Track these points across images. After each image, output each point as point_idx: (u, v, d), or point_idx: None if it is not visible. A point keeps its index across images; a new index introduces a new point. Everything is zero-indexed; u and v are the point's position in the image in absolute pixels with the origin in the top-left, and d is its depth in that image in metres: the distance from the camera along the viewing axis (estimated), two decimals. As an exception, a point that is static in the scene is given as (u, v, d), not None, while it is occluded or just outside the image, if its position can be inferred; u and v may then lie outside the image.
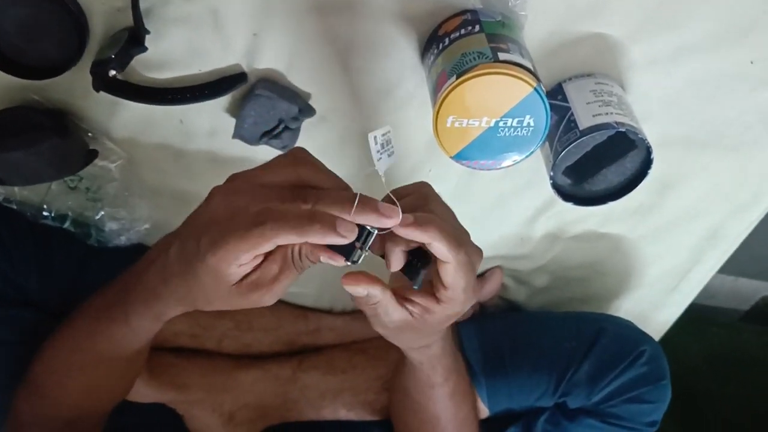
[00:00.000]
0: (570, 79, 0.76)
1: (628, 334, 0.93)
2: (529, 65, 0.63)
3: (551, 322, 0.99)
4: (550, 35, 0.72)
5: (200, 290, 0.53)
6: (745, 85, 0.78)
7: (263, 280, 0.53)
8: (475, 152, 0.66)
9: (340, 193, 0.53)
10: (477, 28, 0.66)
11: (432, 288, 0.58)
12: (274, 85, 0.74)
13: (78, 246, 0.86)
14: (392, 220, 0.51)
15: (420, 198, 0.58)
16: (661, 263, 1.01)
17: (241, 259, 0.49)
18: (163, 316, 0.60)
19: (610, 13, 0.71)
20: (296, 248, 0.53)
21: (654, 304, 1.07)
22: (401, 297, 0.59)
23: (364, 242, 0.52)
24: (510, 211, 0.91)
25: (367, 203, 0.51)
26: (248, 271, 0.52)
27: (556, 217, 0.93)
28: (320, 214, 0.49)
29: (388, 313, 0.58)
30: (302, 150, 0.56)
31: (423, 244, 0.54)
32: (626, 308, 1.07)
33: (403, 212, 0.52)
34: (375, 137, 0.53)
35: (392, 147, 0.57)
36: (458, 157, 0.67)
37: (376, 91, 0.77)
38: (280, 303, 1.01)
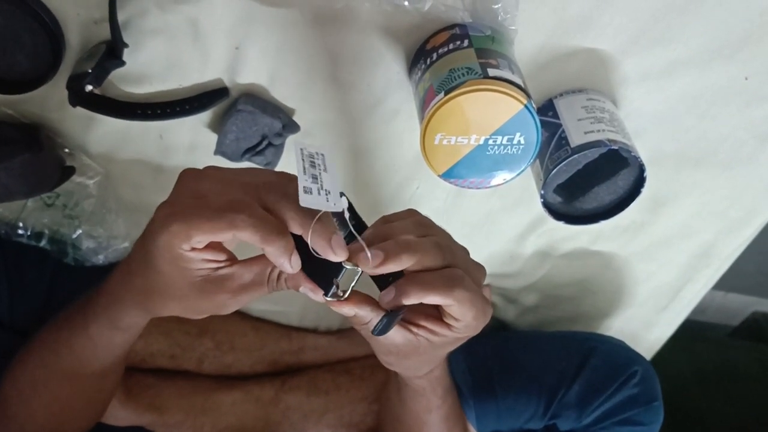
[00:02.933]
0: (561, 94, 0.74)
1: (620, 354, 0.91)
2: (519, 81, 0.61)
3: (541, 342, 0.97)
4: (541, 50, 0.71)
5: (156, 281, 0.51)
6: (738, 101, 0.76)
7: (232, 283, 0.51)
8: (464, 170, 0.65)
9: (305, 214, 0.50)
10: (466, 42, 0.64)
11: (439, 312, 0.55)
12: (256, 100, 0.72)
13: (50, 264, 0.83)
14: (335, 256, 0.49)
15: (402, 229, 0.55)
16: (653, 281, 0.99)
17: (194, 239, 0.47)
18: (120, 322, 0.58)
19: (602, 28, 0.69)
20: (274, 268, 0.51)
21: (645, 323, 1.06)
22: (406, 321, 0.56)
23: (338, 278, 0.51)
24: (499, 228, 0.90)
25: (322, 230, 0.49)
26: (203, 265, 0.50)
27: (547, 235, 0.91)
28: (287, 233, 0.48)
29: (388, 335, 0.55)
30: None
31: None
32: (617, 327, 1.06)
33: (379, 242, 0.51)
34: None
35: (317, 153, 0.53)
36: (447, 176, 0.65)
37: (362, 105, 0.75)
38: (263, 322, 0.99)
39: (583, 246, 0.94)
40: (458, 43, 0.64)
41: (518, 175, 0.65)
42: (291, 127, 0.74)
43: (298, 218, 0.49)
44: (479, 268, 0.56)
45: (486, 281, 0.99)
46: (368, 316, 0.53)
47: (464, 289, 0.52)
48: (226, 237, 0.47)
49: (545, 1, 0.67)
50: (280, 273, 0.51)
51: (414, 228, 0.54)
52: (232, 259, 0.52)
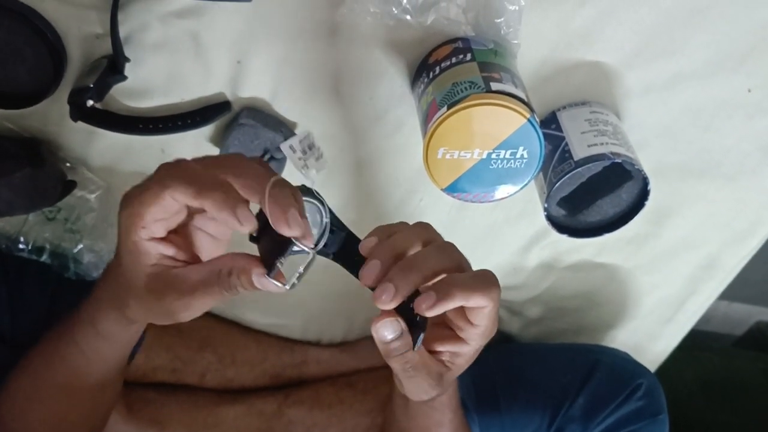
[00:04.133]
0: (564, 107, 0.74)
1: (624, 367, 0.91)
2: (522, 95, 0.61)
3: (545, 354, 0.96)
4: (544, 63, 0.71)
5: (121, 277, 0.51)
6: (742, 113, 0.76)
7: (182, 283, 0.49)
8: (467, 184, 0.64)
9: (263, 178, 0.48)
10: (468, 56, 0.64)
11: (450, 330, 0.54)
12: (258, 114, 0.72)
13: (52, 278, 0.83)
14: (290, 231, 0.46)
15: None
16: (657, 293, 0.99)
17: (145, 217, 0.46)
18: (100, 327, 0.57)
19: (605, 41, 0.69)
20: (226, 265, 0.49)
21: (650, 335, 1.05)
22: (428, 350, 0.54)
23: (284, 256, 0.48)
24: (503, 240, 0.89)
25: (281, 198, 0.47)
26: (158, 261, 0.49)
27: (550, 247, 0.91)
28: (227, 187, 0.46)
29: (428, 366, 0.53)
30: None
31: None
32: (621, 339, 1.05)
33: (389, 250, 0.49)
34: (291, 146, 0.50)
35: (320, 150, 0.52)
36: (450, 190, 0.65)
37: (364, 118, 0.74)
38: (266, 335, 0.99)
39: (587, 258, 0.93)
40: (461, 56, 0.64)
41: (522, 188, 0.65)
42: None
43: (259, 181, 0.47)
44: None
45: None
46: (410, 342, 0.51)
47: (498, 288, 0.51)
48: (169, 206, 0.46)
49: (548, 14, 0.67)
50: (232, 270, 0.49)
51: (416, 237, 0.52)
52: (191, 259, 0.52)
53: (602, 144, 0.69)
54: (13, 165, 0.69)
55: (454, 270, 0.51)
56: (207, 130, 0.74)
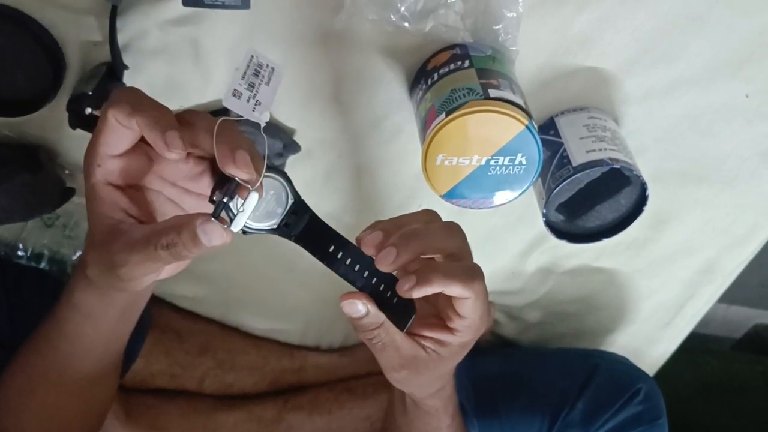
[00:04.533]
0: (562, 113, 0.74)
1: (624, 371, 0.91)
2: (520, 102, 0.61)
3: (544, 359, 0.96)
4: (542, 69, 0.71)
5: (89, 233, 0.51)
6: (740, 119, 0.76)
7: (125, 236, 0.49)
8: (465, 191, 0.64)
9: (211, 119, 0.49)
10: (466, 63, 0.64)
11: (441, 319, 0.55)
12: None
13: (51, 284, 0.83)
14: (236, 168, 0.47)
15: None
16: (656, 298, 0.99)
17: (98, 150, 0.48)
18: (73, 295, 0.56)
19: (604, 47, 0.69)
20: (169, 223, 0.48)
21: (648, 339, 1.05)
22: (410, 334, 0.55)
23: (228, 194, 0.47)
24: (502, 246, 0.89)
25: (229, 136, 0.48)
26: (115, 212, 0.50)
27: (549, 252, 0.91)
28: (165, 111, 0.47)
29: (397, 345, 0.54)
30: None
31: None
32: (620, 343, 1.05)
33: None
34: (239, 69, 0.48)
35: (269, 67, 0.50)
36: (448, 196, 0.65)
37: (363, 124, 0.75)
38: (265, 340, 0.98)
39: (585, 263, 0.93)
40: (459, 63, 0.64)
41: (520, 194, 0.65)
42: (292, 146, 0.74)
43: (207, 120, 0.48)
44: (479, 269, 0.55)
45: (489, 298, 0.99)
46: (380, 317, 0.52)
47: (482, 282, 0.52)
48: (109, 127, 0.47)
49: (547, 21, 0.67)
50: (167, 231, 0.47)
51: (421, 216, 0.54)
52: (146, 221, 0.52)
53: (600, 150, 0.69)
54: (12, 172, 0.69)
55: (453, 250, 0.53)
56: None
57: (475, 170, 0.63)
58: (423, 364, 0.56)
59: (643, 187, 0.71)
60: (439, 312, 0.56)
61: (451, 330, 0.54)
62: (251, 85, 0.48)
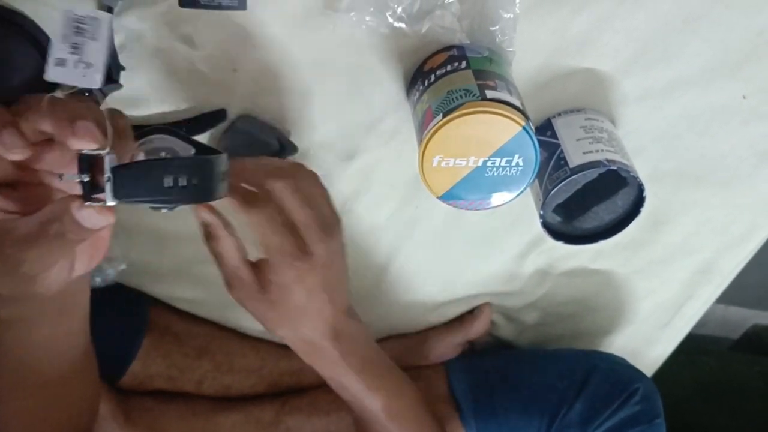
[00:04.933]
0: (559, 114, 0.74)
1: (621, 372, 0.91)
2: (517, 103, 0.61)
3: (542, 360, 0.96)
4: (539, 70, 0.71)
5: None
6: (737, 119, 0.76)
7: (11, 234, 0.46)
8: (462, 192, 0.64)
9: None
10: (464, 64, 0.64)
11: None
12: (253, 122, 0.72)
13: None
14: (78, 138, 0.42)
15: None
16: (654, 298, 0.99)
17: None
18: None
19: (601, 48, 0.69)
20: (52, 212, 0.45)
21: (646, 340, 1.05)
22: None
23: (85, 170, 0.44)
24: (499, 247, 0.89)
25: (63, 108, 0.43)
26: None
27: (547, 254, 0.91)
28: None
29: (236, 263, 0.60)
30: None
31: None
32: (618, 344, 1.05)
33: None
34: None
35: (89, 17, 0.46)
36: (445, 198, 0.65)
37: (359, 125, 0.74)
38: (263, 342, 0.98)
39: (583, 264, 0.93)
40: (456, 64, 0.64)
41: (517, 196, 0.65)
42: (288, 148, 0.74)
43: (32, 104, 0.44)
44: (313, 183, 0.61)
45: (486, 300, 0.99)
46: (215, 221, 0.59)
47: (262, 212, 0.58)
48: None
49: (544, 22, 0.67)
50: (52, 220, 0.45)
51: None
52: (27, 212, 0.48)
53: (597, 151, 0.69)
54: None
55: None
56: (202, 137, 0.74)
57: (472, 171, 0.62)
58: (266, 299, 0.63)
59: (640, 189, 0.71)
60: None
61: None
62: (75, 47, 0.44)
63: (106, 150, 0.43)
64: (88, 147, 0.43)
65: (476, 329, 1.00)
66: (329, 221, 0.62)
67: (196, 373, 0.92)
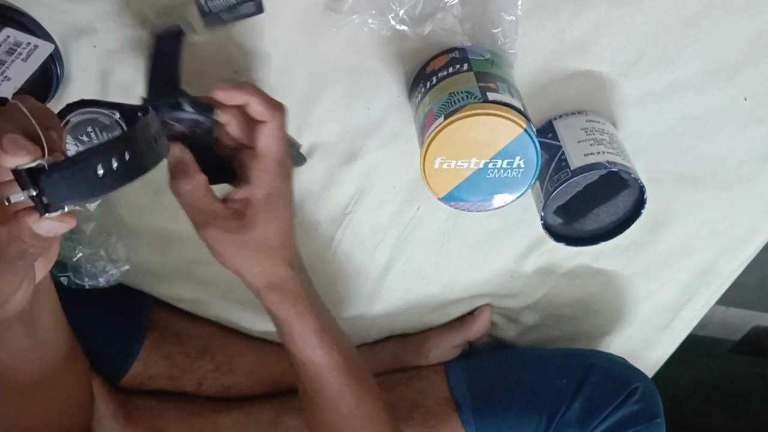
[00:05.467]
0: (561, 116, 0.74)
1: (620, 371, 0.91)
2: (518, 105, 0.61)
3: (541, 359, 0.96)
4: (540, 72, 0.71)
5: None
6: (737, 122, 0.76)
7: None
8: (464, 194, 0.65)
9: None
10: (465, 66, 0.64)
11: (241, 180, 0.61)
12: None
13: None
14: (11, 157, 0.39)
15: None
16: (654, 300, 0.99)
17: None
18: None
19: (601, 50, 0.70)
20: (4, 237, 0.43)
21: (646, 342, 1.05)
22: None
23: (31, 185, 0.41)
24: (500, 248, 0.89)
25: None
26: None
27: (547, 255, 0.91)
28: None
29: (206, 201, 0.60)
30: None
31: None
32: (618, 345, 1.05)
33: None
34: None
35: (29, 44, 0.45)
36: (447, 199, 0.65)
37: (362, 128, 0.75)
38: (263, 342, 0.99)
39: (583, 265, 0.93)
40: (458, 66, 0.65)
41: (518, 197, 0.65)
42: (299, 159, 0.74)
43: None
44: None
45: (487, 300, 0.99)
46: (186, 157, 0.60)
47: (284, 116, 0.60)
48: None
49: (545, 24, 0.67)
50: (10, 241, 0.43)
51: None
52: None
53: (598, 153, 0.69)
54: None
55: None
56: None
57: (474, 173, 0.63)
58: (225, 222, 0.61)
59: (641, 190, 0.71)
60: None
61: (248, 183, 0.61)
62: (1, 62, 0.43)
63: (45, 158, 0.41)
64: (24, 162, 0.40)
65: (476, 330, 1.00)
66: None
67: (197, 373, 0.92)
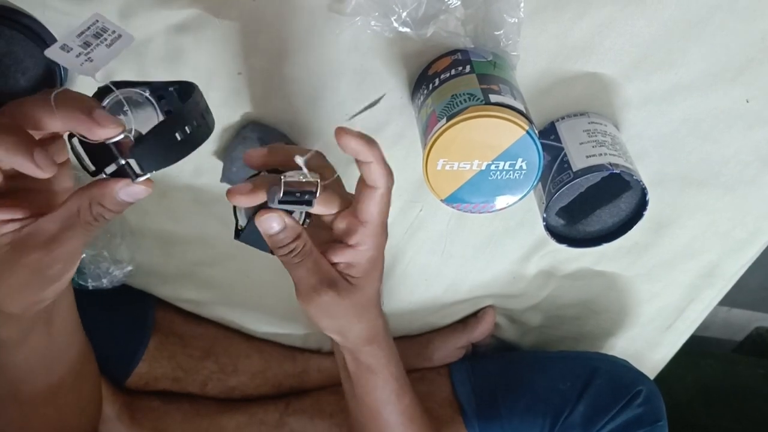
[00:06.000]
0: (563, 118, 0.74)
1: (624, 374, 0.91)
2: (521, 107, 0.62)
3: (545, 362, 0.97)
4: (543, 74, 0.71)
5: None
6: (741, 124, 0.76)
7: (39, 237, 0.47)
8: (466, 195, 0.65)
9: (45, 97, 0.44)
10: (468, 68, 0.64)
11: (343, 244, 0.58)
12: (262, 128, 0.72)
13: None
14: (106, 129, 0.43)
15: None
16: (657, 302, 0.99)
17: None
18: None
19: (604, 52, 0.70)
20: (82, 200, 0.47)
21: (649, 343, 1.05)
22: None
23: (119, 158, 0.45)
24: (503, 249, 0.89)
25: (74, 104, 0.43)
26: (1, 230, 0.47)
27: (550, 256, 0.91)
28: (16, 129, 0.43)
29: (315, 257, 0.56)
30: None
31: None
32: (620, 347, 1.05)
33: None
34: (64, 46, 0.42)
35: (114, 33, 0.46)
36: (449, 201, 0.65)
37: (365, 130, 0.73)
38: (267, 343, 0.99)
39: (586, 267, 0.93)
40: (460, 68, 0.65)
41: (521, 199, 0.65)
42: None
43: (42, 103, 0.44)
44: None
45: (490, 302, 1.00)
46: (297, 229, 0.55)
47: (391, 176, 0.56)
48: None
49: (547, 27, 0.67)
50: (91, 205, 0.47)
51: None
52: (37, 214, 0.49)
53: (601, 155, 0.69)
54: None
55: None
56: (211, 143, 0.74)
57: (476, 175, 0.63)
58: (341, 286, 0.58)
59: (644, 192, 0.71)
60: (338, 237, 0.58)
61: (353, 247, 0.57)
62: (86, 44, 0.44)
63: (131, 131, 0.45)
64: (115, 134, 0.44)
65: (480, 332, 1.00)
66: None
67: (201, 375, 0.92)
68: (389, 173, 0.55)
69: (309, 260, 0.56)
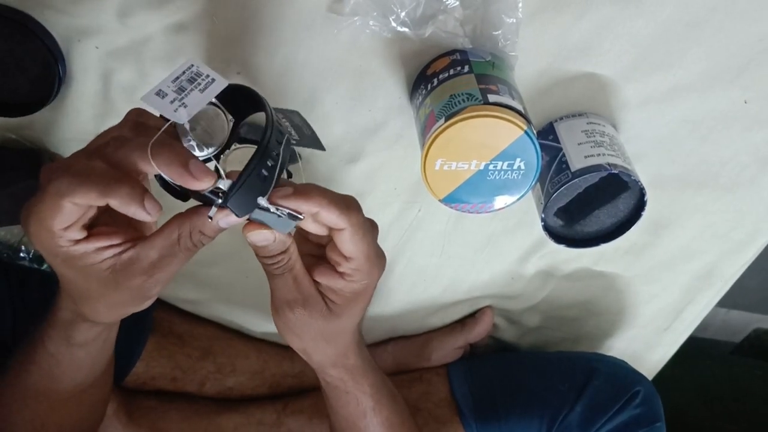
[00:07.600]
0: (561, 118, 0.74)
1: (622, 375, 0.91)
2: (519, 107, 0.62)
3: (543, 362, 0.97)
4: (541, 75, 0.71)
5: (73, 288, 0.51)
6: (739, 125, 0.76)
7: (141, 263, 0.49)
8: (464, 195, 0.65)
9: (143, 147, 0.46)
10: (466, 68, 0.64)
11: (333, 268, 0.57)
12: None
13: (52, 286, 0.83)
14: (198, 182, 0.46)
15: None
16: (655, 303, 0.99)
17: (54, 231, 0.46)
18: (73, 339, 0.57)
19: (603, 53, 0.70)
20: (182, 228, 0.50)
21: (647, 344, 1.05)
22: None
23: (222, 195, 0.47)
24: (501, 250, 0.89)
25: (164, 151, 0.45)
26: (101, 256, 0.49)
27: (548, 257, 0.91)
28: (129, 180, 0.46)
29: (296, 273, 0.56)
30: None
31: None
32: (619, 348, 1.05)
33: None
34: (160, 92, 0.44)
35: (208, 77, 0.48)
36: (447, 201, 0.65)
37: (363, 130, 0.75)
38: (265, 343, 0.99)
39: (585, 267, 0.93)
40: (459, 68, 0.65)
41: (519, 199, 0.65)
42: (293, 156, 0.74)
43: (139, 152, 0.45)
44: (374, 225, 0.58)
45: (488, 302, 1.00)
46: (286, 242, 0.54)
47: (360, 214, 0.54)
48: (65, 212, 0.46)
49: (546, 27, 0.67)
50: (191, 233, 0.50)
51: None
52: (133, 238, 0.51)
53: (599, 155, 0.69)
54: (15, 176, 0.70)
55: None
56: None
57: (474, 175, 0.63)
58: (316, 308, 0.58)
59: (642, 193, 0.71)
60: (330, 260, 0.57)
61: (341, 275, 0.56)
62: (181, 89, 0.46)
63: (224, 180, 0.47)
64: (208, 186, 0.47)
65: (478, 332, 1.00)
66: None
67: (199, 374, 0.92)
68: (346, 210, 0.52)
69: (289, 275, 0.56)
